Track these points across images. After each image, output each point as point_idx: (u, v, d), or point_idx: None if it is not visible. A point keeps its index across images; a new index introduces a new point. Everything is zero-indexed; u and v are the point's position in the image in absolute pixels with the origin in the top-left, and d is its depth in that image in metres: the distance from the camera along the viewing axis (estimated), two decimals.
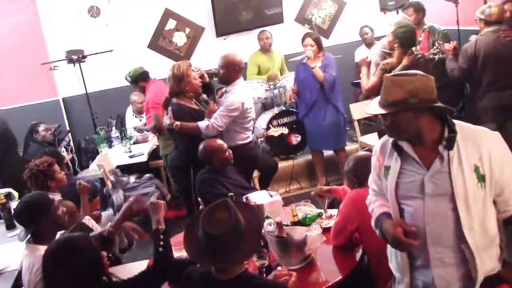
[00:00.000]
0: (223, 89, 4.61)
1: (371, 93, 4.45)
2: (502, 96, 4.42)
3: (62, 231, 2.99)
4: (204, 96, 4.63)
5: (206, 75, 4.52)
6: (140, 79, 5.75)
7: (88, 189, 3.93)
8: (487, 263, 2.07)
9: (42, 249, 2.74)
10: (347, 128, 5.89)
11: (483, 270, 2.06)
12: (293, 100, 5.81)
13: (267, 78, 6.47)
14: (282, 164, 5.85)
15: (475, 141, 2.04)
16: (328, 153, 5.89)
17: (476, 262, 2.04)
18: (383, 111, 2.06)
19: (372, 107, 2.13)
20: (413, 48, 4.39)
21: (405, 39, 4.25)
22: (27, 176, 3.98)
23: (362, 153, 3.24)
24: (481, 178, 2.02)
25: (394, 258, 2.29)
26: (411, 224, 2.11)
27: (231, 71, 4.41)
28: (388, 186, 2.19)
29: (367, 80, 4.50)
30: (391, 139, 2.19)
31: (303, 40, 5.44)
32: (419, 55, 4.34)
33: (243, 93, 4.49)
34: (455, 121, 2.10)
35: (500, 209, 2.10)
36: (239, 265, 2.14)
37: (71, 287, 2.17)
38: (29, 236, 2.95)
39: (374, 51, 5.01)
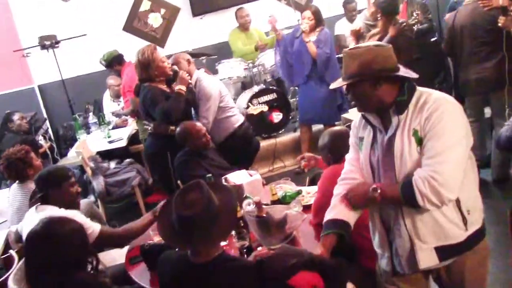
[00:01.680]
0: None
1: None
2: (482, 68, 4.28)
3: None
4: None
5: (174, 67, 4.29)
6: (115, 62, 5.64)
7: None
8: (432, 230, 2.04)
9: (47, 209, 2.87)
10: (345, 107, 5.60)
11: (419, 236, 2.04)
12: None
13: (254, 48, 6.35)
14: (264, 143, 5.79)
15: (423, 106, 1.99)
16: (315, 130, 5.82)
17: (407, 229, 2.05)
18: (343, 84, 2.10)
19: (336, 81, 2.17)
20: (396, 17, 4.35)
21: (387, 7, 4.21)
22: (4, 166, 3.89)
23: (337, 128, 3.19)
24: (419, 141, 1.98)
25: (374, 234, 2.27)
26: None
27: (185, 66, 4.32)
28: (362, 156, 2.20)
29: None
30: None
31: (301, 12, 5.35)
32: (404, 23, 4.29)
33: (207, 78, 4.42)
34: (423, 89, 2.06)
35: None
36: (214, 247, 2.09)
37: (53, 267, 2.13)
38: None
39: (357, 23, 4.95)
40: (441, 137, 1.92)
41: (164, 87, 4.14)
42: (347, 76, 2.07)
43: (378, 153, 2.12)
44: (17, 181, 3.94)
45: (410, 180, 1.95)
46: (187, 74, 4.11)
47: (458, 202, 2.03)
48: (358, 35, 4.55)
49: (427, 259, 2.07)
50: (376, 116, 2.12)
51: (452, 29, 4.42)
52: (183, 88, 4.02)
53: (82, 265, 2.25)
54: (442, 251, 2.06)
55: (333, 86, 2.22)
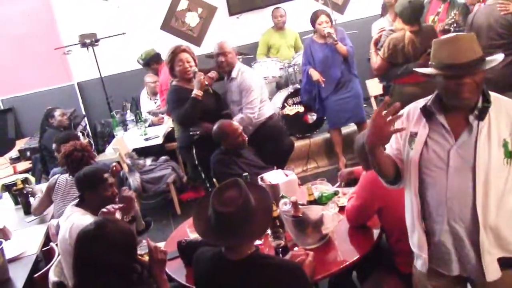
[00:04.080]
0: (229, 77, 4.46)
1: (380, 72, 4.37)
2: (491, 68, 4.19)
3: None
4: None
5: (210, 77, 4.36)
6: (152, 61, 5.73)
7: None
8: (499, 242, 2.00)
9: (78, 212, 2.90)
10: (364, 105, 5.75)
11: (491, 249, 1.99)
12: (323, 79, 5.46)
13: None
14: (298, 143, 5.78)
15: (508, 114, 1.96)
16: (345, 131, 5.79)
17: (481, 240, 1.98)
18: (493, 64, 1.95)
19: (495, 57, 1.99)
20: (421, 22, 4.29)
21: (405, 15, 4.14)
22: (68, 156, 3.79)
23: None
24: (509, 154, 1.93)
25: (413, 234, 2.21)
26: (432, 197, 2.05)
27: (235, 55, 4.39)
28: (412, 153, 2.09)
29: (376, 58, 4.38)
30: (419, 105, 2.10)
31: (316, 18, 5.32)
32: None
33: (249, 70, 4.50)
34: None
35: None
36: (248, 245, 2.11)
37: (103, 268, 2.12)
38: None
39: (378, 27, 4.88)
40: None
41: (190, 86, 4.13)
42: (477, 60, 1.92)
43: (437, 154, 2.02)
44: (70, 175, 3.90)
45: None
46: (215, 73, 4.17)
47: None
48: (377, 42, 4.49)
49: (495, 271, 2.02)
50: (441, 114, 2.02)
51: (470, 28, 4.34)
52: (199, 93, 4.01)
53: (127, 270, 2.21)
54: (504, 263, 2.02)
55: (489, 65, 1.96)
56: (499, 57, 1.99)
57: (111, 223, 2.24)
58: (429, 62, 2.02)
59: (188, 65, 4.08)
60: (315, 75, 5.37)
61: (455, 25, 4.83)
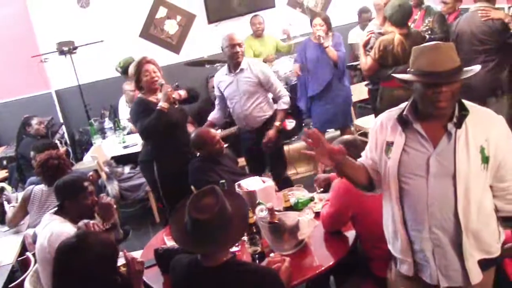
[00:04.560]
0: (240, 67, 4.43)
1: (370, 72, 4.43)
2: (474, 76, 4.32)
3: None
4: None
5: (180, 94, 4.26)
6: None
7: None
8: (479, 245, 2.06)
9: (57, 220, 2.88)
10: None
11: (473, 252, 2.04)
12: (299, 74, 5.59)
13: (263, 60, 6.39)
14: None
15: (483, 121, 2.01)
16: (327, 136, 5.81)
17: (464, 244, 2.02)
18: (467, 75, 1.99)
19: (469, 70, 2.02)
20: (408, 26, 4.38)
21: (395, 18, 4.22)
22: (43, 166, 3.79)
23: (348, 136, 3.18)
24: (485, 160, 1.98)
25: (395, 241, 2.23)
26: (412, 205, 2.09)
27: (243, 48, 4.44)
28: (390, 162, 2.12)
29: (365, 59, 4.45)
30: (393, 115, 2.14)
31: (311, 21, 5.40)
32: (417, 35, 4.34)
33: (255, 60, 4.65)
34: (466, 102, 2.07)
35: (499, 195, 2.07)
36: (224, 251, 2.13)
37: (83, 280, 2.11)
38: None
39: (366, 32, 4.96)
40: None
41: (155, 98, 4.03)
42: (455, 69, 1.96)
43: (416, 162, 2.05)
44: (46, 185, 3.91)
45: None
46: (170, 89, 3.97)
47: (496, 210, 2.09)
48: (367, 44, 4.57)
49: (478, 274, 2.06)
50: (417, 122, 2.06)
51: (453, 34, 4.50)
52: (165, 105, 3.88)
53: (108, 282, 2.21)
54: (483, 265, 2.08)
55: (466, 75, 2.00)
56: (476, 68, 2.04)
57: (93, 235, 2.26)
58: (408, 69, 2.06)
59: (155, 75, 3.99)
60: (296, 67, 5.55)
61: (430, 32, 4.95)
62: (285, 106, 4.54)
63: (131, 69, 4.05)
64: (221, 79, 4.59)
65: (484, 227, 2.05)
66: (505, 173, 2.03)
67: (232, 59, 4.41)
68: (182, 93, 4.30)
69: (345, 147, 2.84)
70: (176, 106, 4.01)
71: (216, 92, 4.72)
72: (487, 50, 4.30)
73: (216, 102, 4.78)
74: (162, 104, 3.88)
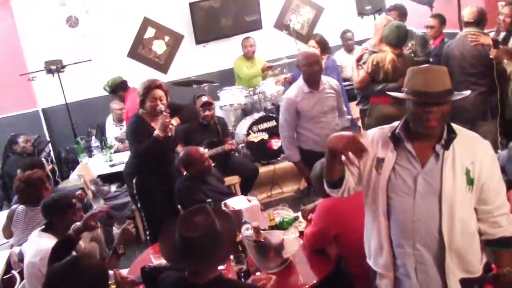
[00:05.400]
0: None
1: (362, 84, 4.54)
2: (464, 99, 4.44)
3: None
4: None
5: (173, 125, 4.01)
6: (119, 88, 5.72)
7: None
8: (462, 264, 2.12)
9: (47, 237, 2.90)
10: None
11: (454, 271, 2.10)
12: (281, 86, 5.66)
13: (261, 70, 6.49)
14: (263, 169, 5.87)
15: (469, 145, 2.09)
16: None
17: (446, 262, 2.09)
18: (457, 98, 2.07)
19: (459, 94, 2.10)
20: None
21: (391, 39, 4.35)
22: (22, 187, 3.86)
23: None
24: (470, 182, 2.06)
25: (379, 256, 2.27)
26: (398, 221, 2.15)
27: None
28: (380, 178, 2.17)
29: (358, 72, 4.56)
30: (386, 132, 2.19)
31: (304, 42, 5.49)
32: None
33: None
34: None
35: (482, 218, 2.14)
36: (212, 269, 2.16)
37: None
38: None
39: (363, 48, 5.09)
40: (496, 177, 2.11)
41: (153, 122, 4.00)
42: (447, 91, 2.04)
43: (404, 180, 2.11)
44: (27, 206, 3.94)
45: (509, 237, 2.14)
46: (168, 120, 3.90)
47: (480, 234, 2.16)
48: (360, 59, 4.69)
49: None
50: (408, 141, 2.12)
51: (444, 58, 4.64)
52: (162, 134, 3.85)
53: None
54: (464, 284, 2.13)
55: (456, 97, 2.08)
56: (466, 92, 2.15)
57: (85, 260, 2.23)
58: (402, 88, 2.14)
59: (161, 103, 3.96)
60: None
61: (413, 55, 5.08)
62: (348, 124, 4.50)
63: (140, 89, 4.01)
64: (301, 98, 4.23)
65: (468, 247, 2.12)
66: (488, 195, 2.10)
67: (311, 76, 4.22)
68: (175, 123, 4.09)
69: None
70: (171, 135, 3.97)
71: (288, 116, 4.33)
72: (477, 74, 4.45)
73: (288, 125, 4.36)
74: (159, 133, 3.86)
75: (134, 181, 4.16)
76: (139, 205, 4.27)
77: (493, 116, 4.53)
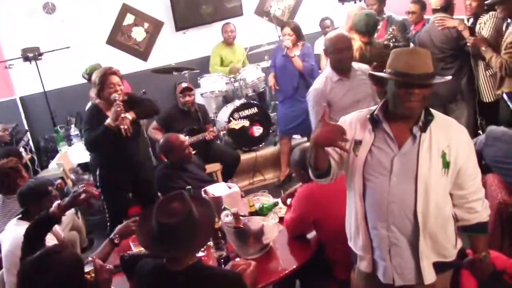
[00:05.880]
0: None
1: None
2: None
3: None
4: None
5: (128, 118, 3.89)
6: None
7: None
8: (436, 248, 2.15)
9: (24, 226, 2.77)
10: None
11: (428, 254, 2.13)
12: (276, 87, 5.65)
13: (228, 71, 6.47)
14: (244, 157, 5.87)
15: (446, 129, 2.12)
16: (295, 142, 5.87)
17: (420, 245, 2.11)
18: (443, 80, 2.12)
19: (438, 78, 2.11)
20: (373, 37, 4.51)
21: (359, 26, 4.35)
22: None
23: (308, 144, 3.23)
24: (446, 165, 2.08)
25: (357, 238, 2.29)
26: (373, 202, 2.16)
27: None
28: (357, 159, 2.19)
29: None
30: (364, 114, 2.22)
31: (281, 29, 5.48)
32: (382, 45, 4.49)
33: None
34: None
35: (458, 203, 2.17)
36: (190, 256, 2.16)
37: None
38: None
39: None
40: (472, 162, 2.14)
41: (109, 112, 3.88)
42: (431, 74, 2.06)
43: (381, 161, 2.13)
44: (3, 194, 3.88)
45: (484, 222, 2.19)
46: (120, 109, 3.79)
47: (455, 217, 2.19)
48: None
49: (431, 275, 2.15)
50: (386, 122, 2.14)
51: (417, 44, 4.72)
52: (113, 123, 3.76)
53: None
54: (438, 267, 2.16)
55: (437, 81, 2.09)
56: (448, 77, 2.20)
57: (57, 253, 2.17)
58: (384, 70, 2.14)
59: (119, 88, 3.87)
60: (271, 80, 5.65)
61: (394, 40, 5.10)
62: None
63: (94, 78, 3.91)
64: (330, 87, 3.83)
65: (442, 230, 2.14)
66: (464, 180, 2.13)
67: (341, 63, 3.80)
68: (130, 116, 3.94)
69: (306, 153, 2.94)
70: (125, 127, 3.84)
71: (321, 109, 3.53)
72: (446, 58, 4.53)
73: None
74: (110, 122, 3.78)
75: (97, 173, 4.10)
76: (102, 197, 4.16)
77: (466, 100, 4.60)
